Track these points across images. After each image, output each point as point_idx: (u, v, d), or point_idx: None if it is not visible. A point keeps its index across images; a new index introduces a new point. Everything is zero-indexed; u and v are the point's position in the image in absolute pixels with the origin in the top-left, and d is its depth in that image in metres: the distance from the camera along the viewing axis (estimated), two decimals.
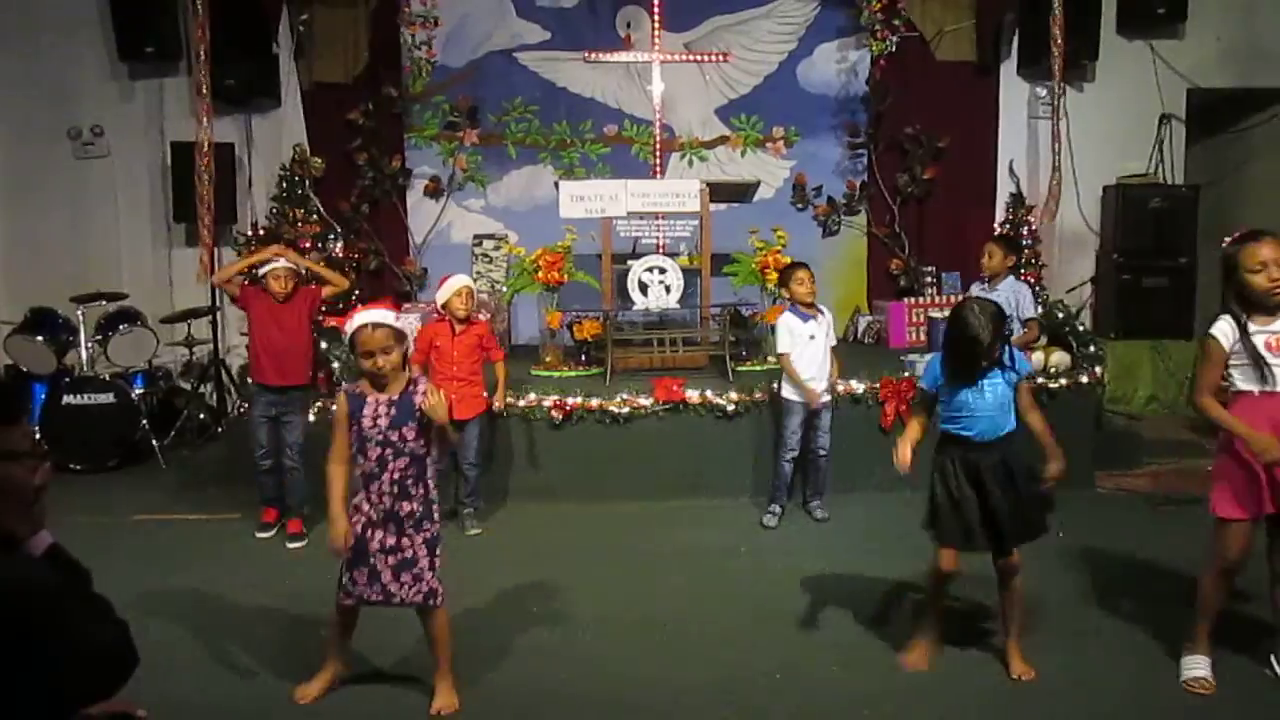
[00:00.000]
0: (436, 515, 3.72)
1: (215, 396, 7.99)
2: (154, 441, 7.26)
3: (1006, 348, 3.82)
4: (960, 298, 6.51)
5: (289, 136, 8.26)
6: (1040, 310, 7.00)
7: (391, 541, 3.62)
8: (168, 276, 8.52)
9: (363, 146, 8.42)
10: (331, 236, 7.88)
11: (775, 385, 6.16)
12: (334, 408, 3.75)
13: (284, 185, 7.84)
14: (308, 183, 7.90)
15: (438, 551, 3.70)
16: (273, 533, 5.75)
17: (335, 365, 6.34)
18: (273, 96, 8.35)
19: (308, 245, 7.56)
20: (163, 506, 6.34)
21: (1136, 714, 3.69)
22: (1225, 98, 9.02)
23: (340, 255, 7.86)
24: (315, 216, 7.85)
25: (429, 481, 3.69)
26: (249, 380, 5.85)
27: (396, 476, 3.61)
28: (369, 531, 3.63)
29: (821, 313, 5.93)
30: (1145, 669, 3.99)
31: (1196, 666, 3.84)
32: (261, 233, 7.71)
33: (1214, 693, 3.76)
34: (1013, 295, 6.06)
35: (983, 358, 3.71)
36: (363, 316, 3.65)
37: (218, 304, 8.06)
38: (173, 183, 8.14)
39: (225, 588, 4.94)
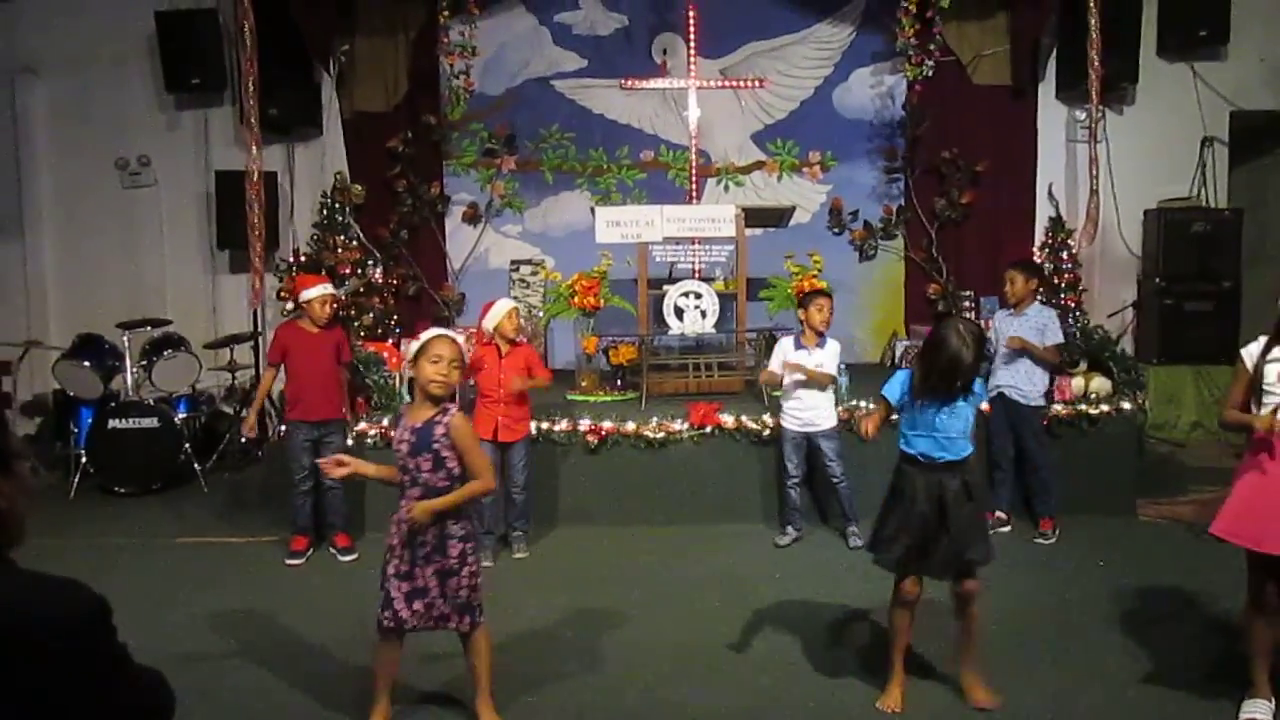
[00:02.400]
0: (454, 553, 3.63)
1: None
2: (196, 465, 7.36)
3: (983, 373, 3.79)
4: (985, 322, 6.49)
5: (330, 164, 8.41)
6: (1076, 334, 6.94)
7: (405, 569, 3.62)
8: (211, 302, 8.69)
9: (402, 173, 8.54)
10: (371, 263, 7.99)
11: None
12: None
13: (325, 212, 7.97)
14: (348, 209, 8.03)
15: (450, 585, 3.63)
16: (302, 560, 5.80)
17: (374, 392, 6.41)
18: (315, 125, 8.52)
19: (347, 271, 7.67)
20: (204, 529, 6.43)
21: None
22: (1269, 119, 8.89)
23: (380, 281, 7.96)
24: (355, 243, 7.96)
25: (450, 518, 3.63)
26: (286, 420, 5.92)
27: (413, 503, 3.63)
28: (389, 554, 3.67)
29: (821, 346, 5.90)
30: (1182, 704, 3.91)
31: (1255, 710, 3.71)
32: (303, 259, 7.83)
33: None
34: (1040, 321, 6.01)
35: (961, 378, 3.66)
36: (438, 330, 3.76)
37: (259, 329, 8.20)
38: (217, 211, 8.31)
39: (267, 609, 5.01)
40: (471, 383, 5.66)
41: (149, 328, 7.77)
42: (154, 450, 7.26)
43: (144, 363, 7.54)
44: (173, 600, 5.07)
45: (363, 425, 6.21)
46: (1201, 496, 6.68)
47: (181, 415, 7.51)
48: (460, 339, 3.77)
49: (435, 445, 3.58)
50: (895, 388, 3.88)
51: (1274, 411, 3.56)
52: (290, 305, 5.94)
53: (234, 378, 8.14)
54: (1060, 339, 6.11)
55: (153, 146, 8.61)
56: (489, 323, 5.70)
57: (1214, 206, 8.60)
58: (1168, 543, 5.93)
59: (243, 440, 6.87)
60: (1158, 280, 8.34)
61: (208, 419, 7.98)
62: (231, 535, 6.27)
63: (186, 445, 7.32)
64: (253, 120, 7.14)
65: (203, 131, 8.62)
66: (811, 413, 5.85)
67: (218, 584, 5.39)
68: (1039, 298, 6.28)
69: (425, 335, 3.71)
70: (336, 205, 7.97)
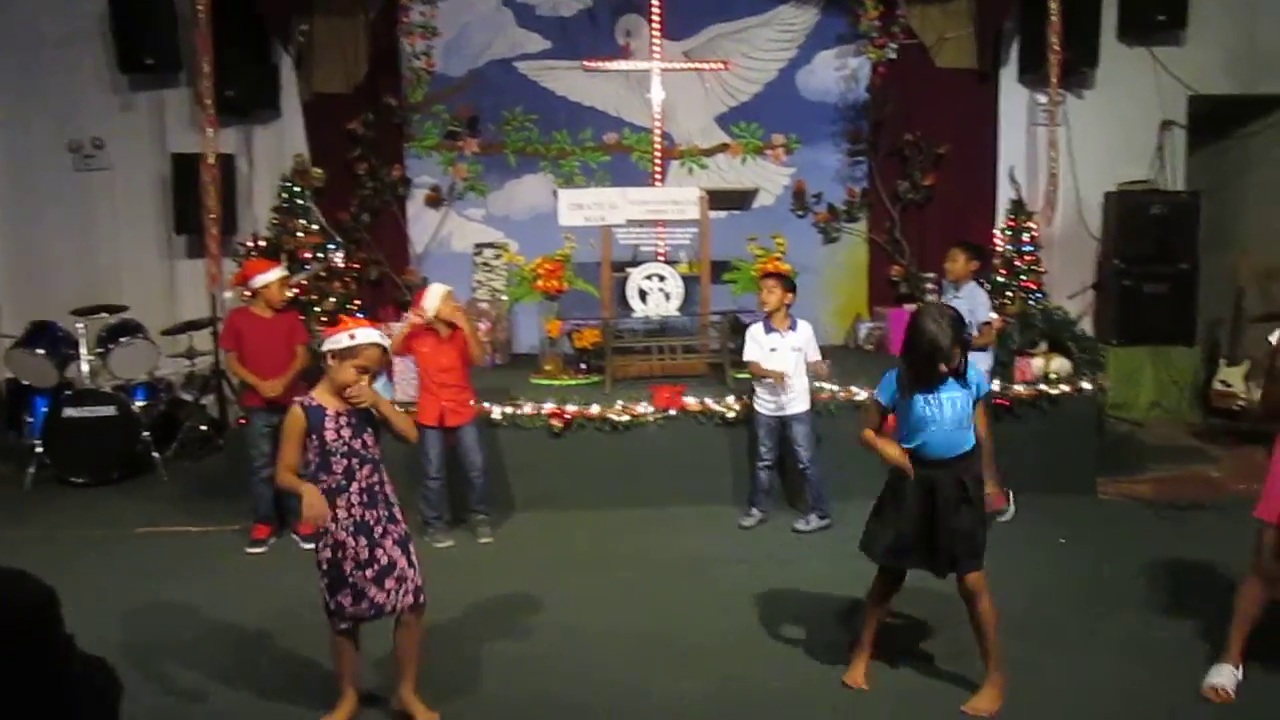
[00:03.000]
0: (400, 515, 3.72)
1: (217, 408, 8.00)
2: (155, 454, 7.25)
3: (965, 360, 3.75)
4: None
5: (289, 147, 8.29)
6: (1037, 315, 7.01)
7: (365, 555, 3.57)
8: (169, 288, 8.54)
9: (363, 156, 8.44)
10: (332, 246, 7.88)
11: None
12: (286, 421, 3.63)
13: (284, 196, 7.84)
14: (308, 193, 7.91)
15: (411, 549, 3.68)
16: (264, 549, 5.72)
17: None
18: (273, 107, 8.39)
19: (308, 255, 7.57)
20: (164, 519, 6.33)
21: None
22: (1226, 104, 9.00)
23: (341, 265, 7.86)
24: (316, 227, 7.85)
25: (388, 485, 3.71)
26: (243, 406, 5.84)
27: (364, 484, 3.61)
28: (340, 553, 3.57)
29: (792, 329, 5.89)
30: (1144, 677, 3.97)
31: (1220, 674, 3.78)
32: (262, 243, 7.72)
33: (1230, 703, 3.70)
34: (971, 301, 6.03)
35: (942, 362, 3.65)
36: (373, 335, 3.66)
37: (218, 315, 8.08)
38: (174, 194, 8.16)
39: (228, 599, 4.94)
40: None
41: (105, 314, 7.64)
42: (111, 439, 7.14)
43: (100, 350, 7.40)
44: (132, 592, 4.99)
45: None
46: (1160, 475, 6.79)
47: (139, 403, 7.39)
48: (385, 340, 3.77)
49: (369, 417, 3.64)
50: (886, 390, 3.84)
51: None
52: (248, 293, 5.82)
53: (193, 364, 8.01)
54: (989, 316, 6.11)
55: (106, 129, 8.43)
56: (427, 308, 5.65)
57: (1172, 189, 8.70)
58: (1128, 520, 6.02)
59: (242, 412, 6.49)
60: (1117, 262, 8.44)
61: (167, 407, 7.86)
62: (192, 525, 6.17)
63: (145, 434, 7.21)
64: (208, 102, 7.02)
65: (158, 113, 8.45)
66: (784, 396, 5.86)
67: (177, 574, 5.31)
68: (978, 280, 6.30)
69: (361, 336, 3.62)
70: (296, 189, 7.84)
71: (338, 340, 3.63)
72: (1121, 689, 3.88)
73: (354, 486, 3.59)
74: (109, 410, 7.13)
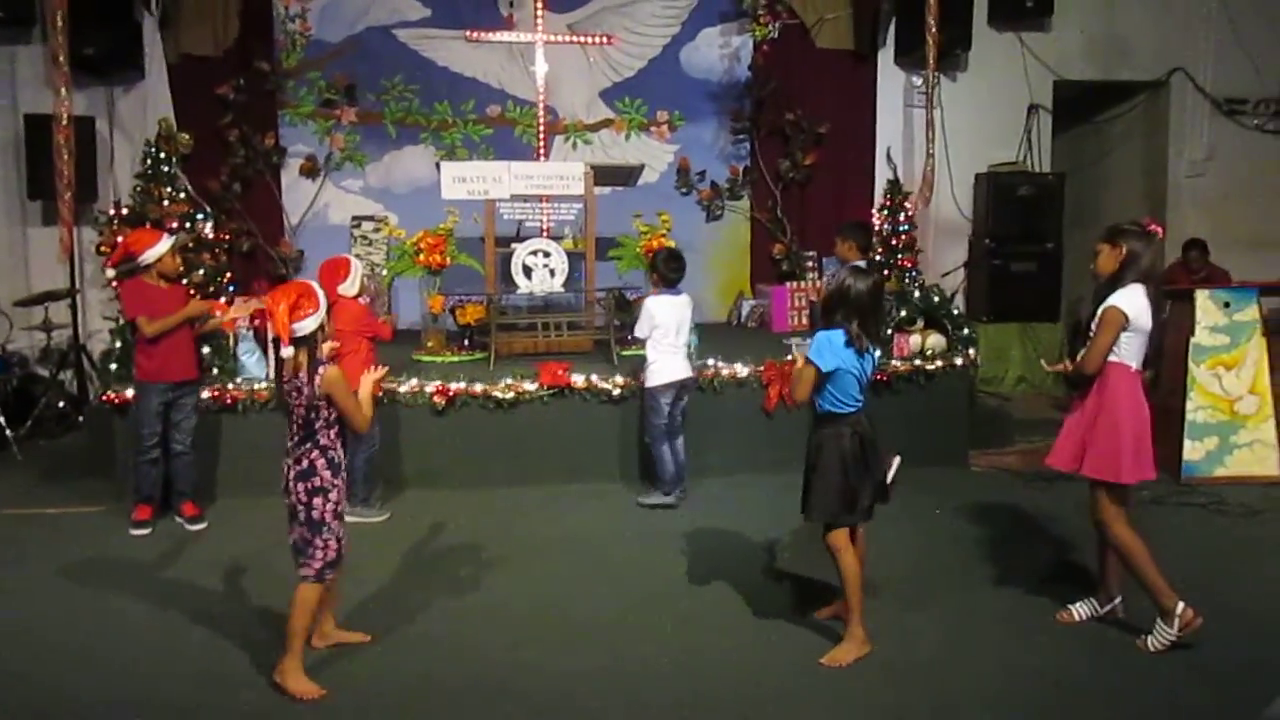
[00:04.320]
0: None
1: (76, 384, 7.61)
2: (7, 431, 6.87)
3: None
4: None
5: (154, 111, 7.86)
6: (914, 293, 7.22)
7: (343, 506, 3.84)
8: (23, 257, 8.04)
9: (234, 123, 8.10)
10: (200, 216, 7.52)
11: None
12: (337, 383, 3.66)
13: (149, 162, 7.44)
14: (175, 160, 7.52)
15: None
16: (149, 530, 5.46)
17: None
18: (136, 68, 7.95)
19: (175, 225, 7.22)
20: (20, 500, 5.99)
21: (1004, 680, 3.81)
22: (1088, 89, 9.40)
23: (210, 236, 7.53)
24: (183, 195, 7.47)
25: None
26: (139, 381, 5.51)
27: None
28: (340, 504, 3.79)
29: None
30: (1017, 633, 4.17)
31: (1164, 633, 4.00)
32: (125, 211, 7.34)
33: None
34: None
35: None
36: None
37: (77, 286, 7.67)
38: (27, 157, 7.68)
39: (98, 583, 4.74)
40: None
41: None
42: None
43: None
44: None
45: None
46: (1026, 447, 7.07)
47: None
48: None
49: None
50: (828, 355, 3.84)
51: None
52: (110, 271, 5.49)
53: (49, 338, 7.60)
54: None
55: None
56: (352, 288, 5.50)
57: (1038, 171, 9.04)
58: (998, 490, 6.26)
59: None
60: (987, 241, 8.73)
61: (20, 382, 7.44)
62: (51, 506, 5.87)
63: None
64: (61, 59, 6.60)
65: (9, 71, 7.92)
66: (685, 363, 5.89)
67: (39, 558, 5.04)
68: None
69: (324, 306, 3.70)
70: (161, 155, 7.45)
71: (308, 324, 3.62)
72: (999, 657, 4.03)
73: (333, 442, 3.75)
74: None
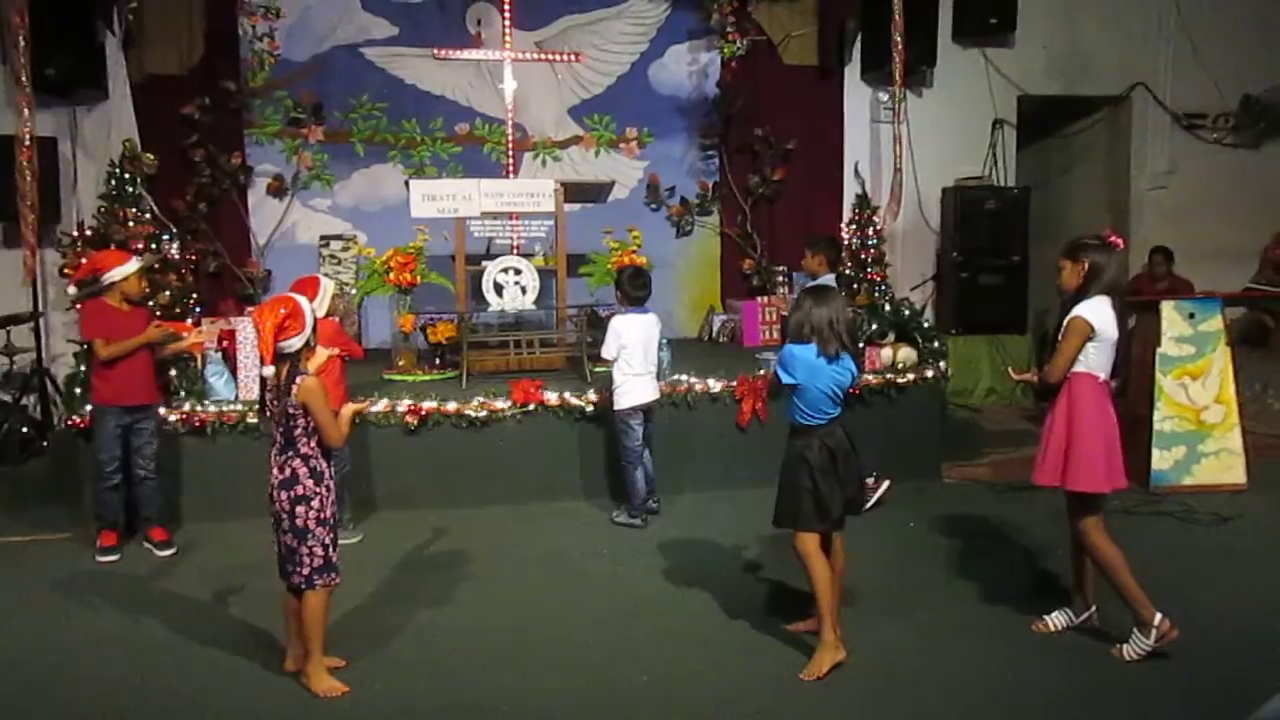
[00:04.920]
0: None
1: (40, 408, 7.48)
2: None
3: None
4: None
5: (118, 131, 7.76)
6: (884, 306, 7.27)
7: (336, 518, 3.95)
8: None
9: (199, 143, 8.03)
10: (166, 237, 7.44)
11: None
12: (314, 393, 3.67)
13: (113, 183, 7.34)
14: (139, 180, 7.43)
15: None
16: (117, 557, 5.36)
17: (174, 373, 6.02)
18: (99, 88, 7.84)
19: (140, 246, 7.13)
20: None
21: (982, 690, 3.81)
22: (1051, 104, 9.53)
23: (176, 257, 7.44)
24: (148, 216, 7.38)
25: None
26: (96, 405, 5.42)
27: None
28: (332, 507, 3.84)
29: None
30: (994, 644, 4.18)
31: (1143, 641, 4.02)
32: (89, 233, 7.25)
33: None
34: None
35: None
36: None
37: (40, 310, 7.56)
38: None
39: (65, 610, 4.65)
40: None
41: None
42: None
43: None
44: None
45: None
46: (998, 458, 7.11)
47: None
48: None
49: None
50: (798, 369, 3.92)
51: None
52: (72, 289, 5.41)
53: (12, 362, 7.47)
54: None
55: None
56: (322, 308, 5.44)
57: (1004, 185, 9.13)
58: (971, 501, 6.29)
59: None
60: (955, 255, 8.81)
61: None
62: (15, 534, 5.74)
63: None
64: (24, 79, 6.52)
65: None
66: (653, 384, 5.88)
67: (4, 587, 4.94)
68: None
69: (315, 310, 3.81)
70: (126, 175, 7.36)
71: (293, 344, 3.65)
72: (968, 658, 4.04)
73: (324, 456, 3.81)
74: None
